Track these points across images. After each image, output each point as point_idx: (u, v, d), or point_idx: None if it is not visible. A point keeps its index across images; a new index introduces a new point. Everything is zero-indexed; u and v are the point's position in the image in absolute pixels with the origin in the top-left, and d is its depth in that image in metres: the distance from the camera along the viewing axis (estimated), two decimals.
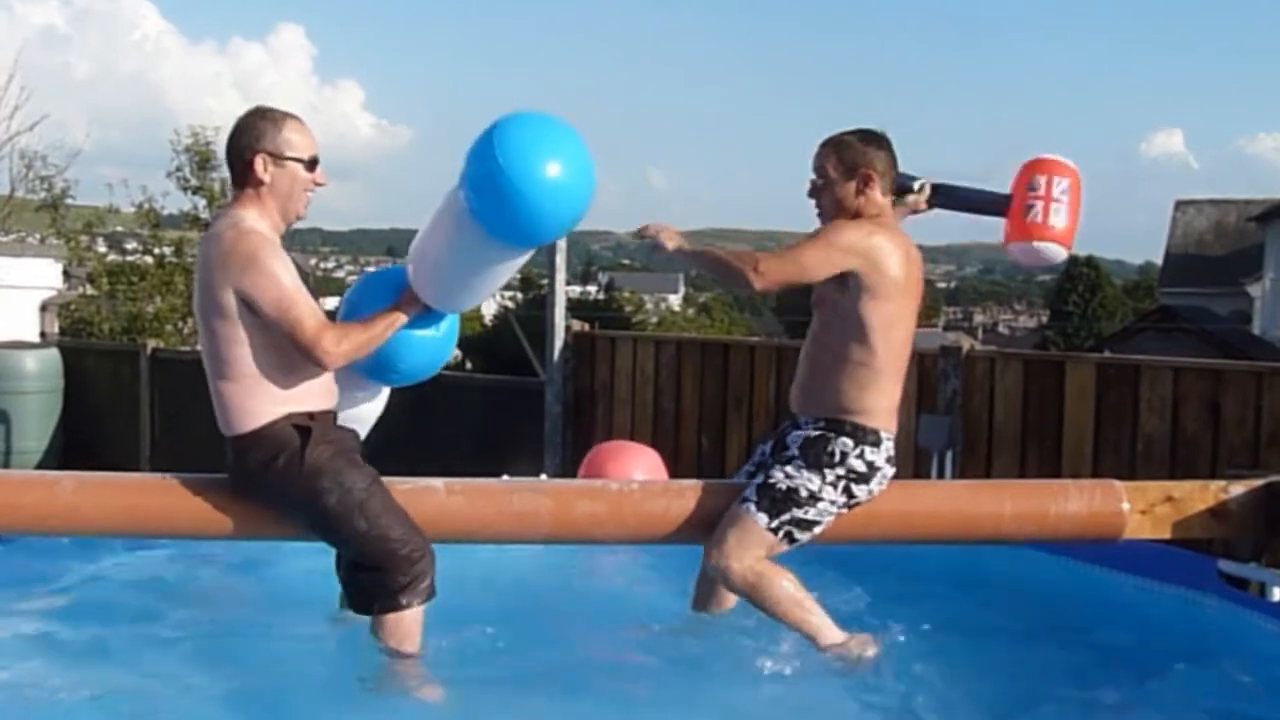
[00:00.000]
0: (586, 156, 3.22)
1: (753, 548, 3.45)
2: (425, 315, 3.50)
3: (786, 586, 3.45)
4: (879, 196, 3.53)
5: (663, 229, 3.61)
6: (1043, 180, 3.86)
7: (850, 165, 3.51)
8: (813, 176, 3.58)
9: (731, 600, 3.71)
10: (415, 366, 3.62)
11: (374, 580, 3.29)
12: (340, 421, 3.53)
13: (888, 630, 3.58)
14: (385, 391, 3.85)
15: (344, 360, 3.29)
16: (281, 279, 3.19)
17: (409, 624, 3.29)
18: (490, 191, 3.15)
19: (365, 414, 3.79)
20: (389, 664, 3.29)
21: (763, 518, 3.43)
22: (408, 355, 3.55)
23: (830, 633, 3.46)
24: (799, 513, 3.43)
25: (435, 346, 3.61)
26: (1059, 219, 3.85)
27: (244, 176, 3.31)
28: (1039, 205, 3.85)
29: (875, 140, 3.55)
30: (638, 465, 5.33)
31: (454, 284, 3.48)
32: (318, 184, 3.38)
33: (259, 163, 3.27)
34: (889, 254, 3.41)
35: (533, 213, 3.15)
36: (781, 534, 3.44)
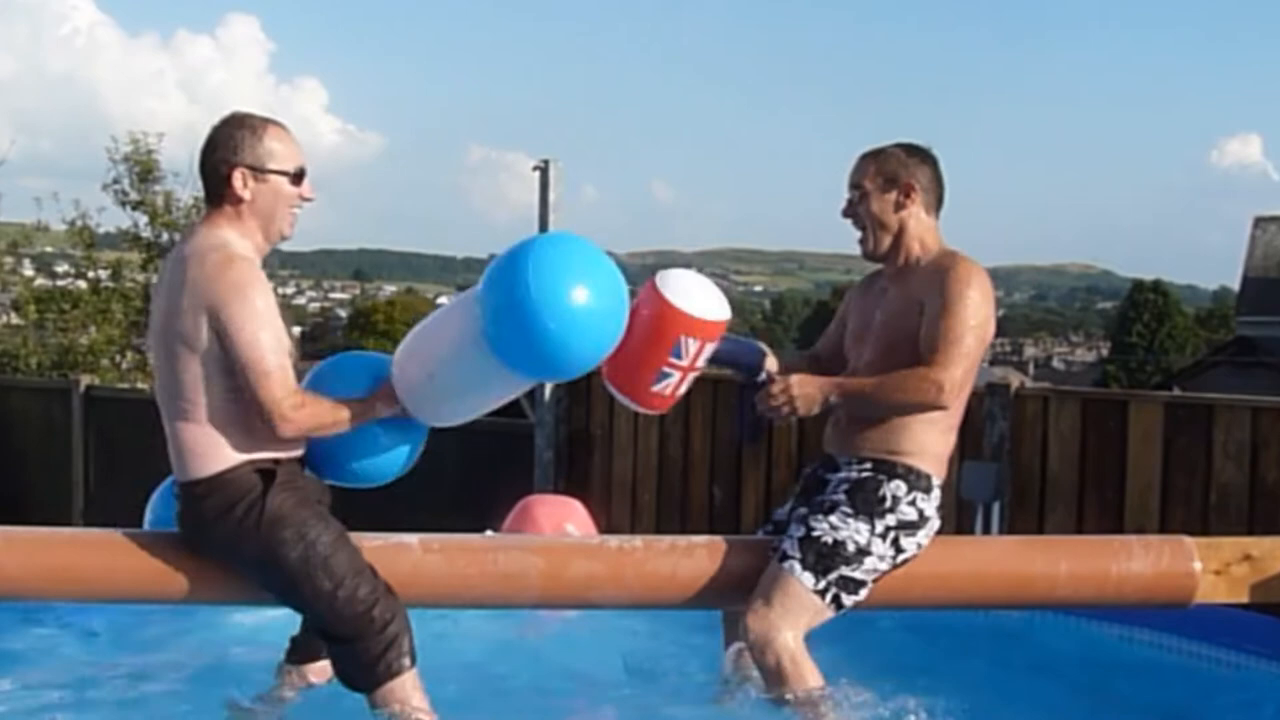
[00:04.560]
0: (621, 289, 3.33)
1: (800, 614, 3.45)
2: (398, 420, 3.46)
3: (817, 684, 3.43)
4: (923, 214, 3.58)
5: (793, 387, 3.47)
6: (693, 346, 3.41)
7: (890, 176, 3.56)
8: (849, 194, 3.62)
9: None
10: (368, 469, 3.55)
11: (347, 654, 3.29)
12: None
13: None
14: None
15: (301, 431, 3.27)
16: (264, 321, 3.19)
17: (405, 690, 3.28)
18: (516, 323, 3.19)
19: None
20: None
21: (808, 577, 3.43)
22: (363, 454, 3.51)
23: None
24: (847, 570, 3.44)
25: (397, 454, 3.55)
26: (681, 392, 3.52)
27: (221, 193, 3.32)
28: (675, 378, 3.46)
29: (919, 154, 3.60)
30: (566, 521, 5.16)
31: (444, 400, 3.44)
32: (305, 199, 3.41)
33: (238, 178, 3.29)
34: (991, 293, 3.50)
35: (561, 350, 3.22)
36: (829, 597, 3.45)
